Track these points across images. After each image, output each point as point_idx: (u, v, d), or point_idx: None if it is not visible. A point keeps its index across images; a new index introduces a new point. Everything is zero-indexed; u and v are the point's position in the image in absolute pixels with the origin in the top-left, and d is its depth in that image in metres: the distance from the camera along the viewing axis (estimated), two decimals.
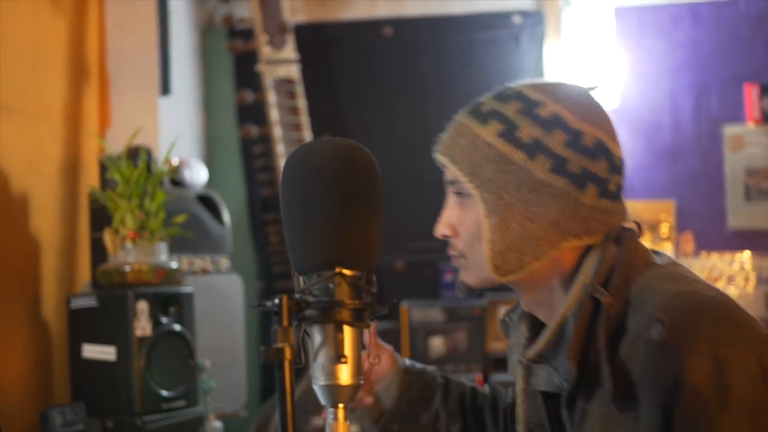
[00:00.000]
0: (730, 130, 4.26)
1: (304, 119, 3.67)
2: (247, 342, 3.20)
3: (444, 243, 1.50)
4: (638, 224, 1.46)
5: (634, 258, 1.40)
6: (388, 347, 1.75)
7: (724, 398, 1.24)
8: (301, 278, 1.21)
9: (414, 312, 3.94)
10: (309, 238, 1.19)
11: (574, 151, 1.38)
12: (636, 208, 4.17)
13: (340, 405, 1.18)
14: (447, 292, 4.09)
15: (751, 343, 1.28)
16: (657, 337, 1.27)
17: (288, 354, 1.12)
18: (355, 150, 1.23)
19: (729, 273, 4.18)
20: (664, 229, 4.21)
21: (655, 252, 1.47)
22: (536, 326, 1.51)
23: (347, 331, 1.18)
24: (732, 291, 4.14)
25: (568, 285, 1.41)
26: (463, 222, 1.44)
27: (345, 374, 1.18)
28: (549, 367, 1.44)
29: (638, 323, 1.32)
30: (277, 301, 1.14)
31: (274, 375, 3.58)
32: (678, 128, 4.29)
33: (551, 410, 1.49)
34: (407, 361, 1.77)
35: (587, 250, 1.41)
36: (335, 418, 1.18)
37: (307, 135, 3.63)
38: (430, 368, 1.80)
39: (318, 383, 1.19)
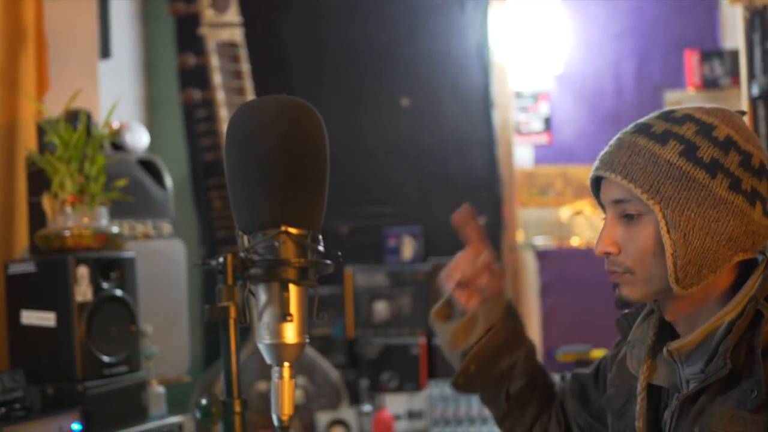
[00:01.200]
0: (671, 96, 4.31)
1: (248, 83, 3.63)
2: (189, 307, 3.17)
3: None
4: None
5: None
6: (501, 270, 1.82)
7: None
8: (245, 237, 1.19)
9: (358, 276, 3.94)
10: (254, 196, 1.18)
11: (745, 171, 1.48)
12: (579, 173, 4.22)
13: (286, 364, 1.17)
14: (391, 256, 4.09)
15: None
16: None
17: (233, 312, 1.11)
18: (301, 108, 1.21)
19: None
20: None
21: None
22: (662, 332, 1.61)
23: (293, 290, 1.17)
24: None
25: (725, 300, 1.51)
26: (634, 239, 1.51)
27: (290, 333, 1.16)
28: (675, 365, 1.54)
29: None
30: (221, 259, 1.13)
31: (216, 340, 3.55)
32: (620, 94, 4.33)
33: (650, 406, 1.60)
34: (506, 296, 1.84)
35: (742, 270, 1.52)
36: (281, 376, 1.17)
37: (251, 99, 3.59)
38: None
39: (263, 342, 1.17)
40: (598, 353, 4.07)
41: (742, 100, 4.27)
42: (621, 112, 4.31)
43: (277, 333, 1.17)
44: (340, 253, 1.24)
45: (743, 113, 1.58)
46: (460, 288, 1.82)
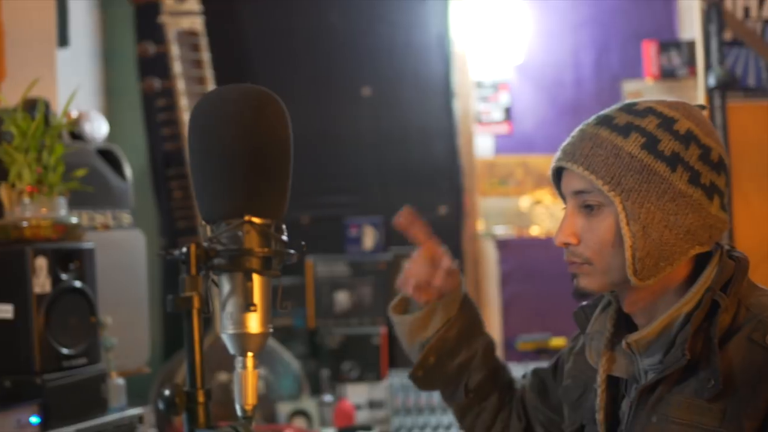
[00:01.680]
0: (629, 86, 4.35)
1: (209, 73, 3.61)
2: (150, 298, 3.15)
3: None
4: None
5: (745, 275, 1.55)
6: (455, 266, 1.85)
7: None
8: (209, 227, 1.19)
9: (319, 266, 3.94)
10: (217, 186, 1.17)
11: (705, 164, 1.51)
12: (539, 163, 4.24)
13: (250, 354, 1.17)
14: (352, 246, 4.09)
15: None
16: None
17: (196, 302, 1.11)
18: (265, 97, 1.21)
19: None
20: None
21: None
22: (620, 324, 1.63)
23: (256, 280, 1.17)
24: None
25: (681, 292, 1.53)
26: (593, 230, 1.52)
27: (254, 323, 1.17)
28: (634, 357, 1.56)
29: (751, 329, 1.46)
30: (185, 249, 1.12)
31: (176, 331, 3.52)
32: (580, 84, 4.37)
33: (609, 397, 1.63)
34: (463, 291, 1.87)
35: (698, 262, 1.54)
36: (244, 366, 1.17)
37: (211, 88, 3.57)
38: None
39: (227, 332, 1.17)
40: (557, 342, 4.11)
41: (698, 90, 4.33)
42: (580, 102, 4.34)
43: (241, 323, 1.17)
44: (303, 243, 1.24)
45: (703, 107, 1.60)
46: (418, 290, 1.83)
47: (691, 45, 4.35)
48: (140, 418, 2.58)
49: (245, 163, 1.17)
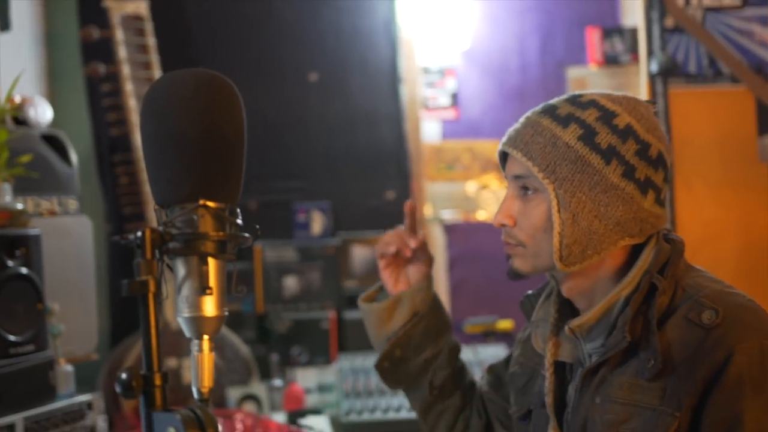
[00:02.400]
0: (573, 72, 4.41)
1: (154, 57, 3.57)
2: (97, 284, 3.13)
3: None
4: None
5: (681, 258, 1.60)
6: (431, 255, 1.92)
7: (761, 383, 1.43)
8: (163, 211, 1.19)
9: (268, 252, 3.94)
10: (172, 170, 1.17)
11: (641, 160, 1.54)
12: (485, 148, 4.28)
13: (205, 337, 1.17)
14: (300, 231, 4.10)
15: None
16: (708, 322, 1.47)
17: (152, 287, 1.11)
18: (219, 81, 1.21)
19: None
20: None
21: None
22: (563, 309, 1.68)
23: (211, 263, 1.18)
24: None
25: (619, 276, 1.57)
26: (528, 214, 1.58)
27: (210, 306, 1.17)
28: (576, 341, 1.61)
29: (688, 309, 1.51)
30: (139, 233, 1.12)
31: (123, 317, 3.50)
32: (525, 70, 4.41)
33: (556, 381, 1.67)
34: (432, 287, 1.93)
35: (635, 248, 1.58)
36: (200, 349, 1.17)
37: (157, 73, 3.54)
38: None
39: (182, 315, 1.18)
40: (504, 324, 4.16)
41: (640, 76, 4.40)
42: (526, 88, 4.39)
43: (197, 306, 1.17)
44: (257, 226, 1.25)
45: (653, 103, 1.65)
46: (389, 268, 1.88)
47: (633, 32, 4.42)
48: (89, 405, 2.57)
49: (199, 147, 1.17)
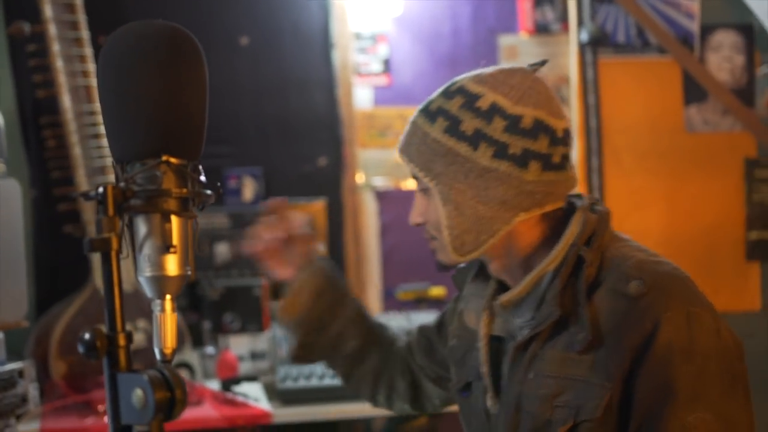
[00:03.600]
0: (505, 40, 4.42)
1: (82, 17, 3.46)
2: (28, 250, 3.04)
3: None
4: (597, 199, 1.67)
5: (607, 228, 1.60)
6: (311, 234, 1.93)
7: (690, 351, 1.43)
8: (122, 167, 1.15)
9: (199, 218, 3.88)
10: (132, 125, 1.14)
11: (513, 134, 1.53)
12: None
13: (168, 296, 1.15)
14: (231, 198, 4.05)
15: (709, 306, 1.50)
16: (634, 292, 1.47)
17: (115, 244, 1.08)
18: (181, 34, 1.18)
19: None
20: None
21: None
22: (500, 285, 1.69)
23: (174, 221, 1.15)
24: None
25: (547, 249, 1.57)
26: (428, 212, 1.59)
27: (172, 265, 1.14)
28: (507, 315, 1.61)
29: (614, 280, 1.51)
30: (101, 190, 1.09)
31: (52, 284, 3.40)
32: (457, 37, 4.40)
33: (491, 355, 1.67)
34: (322, 260, 1.94)
35: (560, 220, 1.59)
36: (162, 309, 1.14)
37: (85, 33, 3.44)
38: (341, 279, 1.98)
39: (144, 275, 1.15)
40: (436, 291, 4.18)
41: (571, 45, 4.44)
42: (457, 55, 4.38)
43: (159, 265, 1.14)
44: (219, 184, 1.22)
45: (542, 63, 1.62)
46: (267, 260, 1.92)
47: (564, 0, 4.44)
48: (20, 373, 2.51)
49: (163, 101, 1.14)
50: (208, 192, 1.19)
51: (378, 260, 4.27)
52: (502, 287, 1.68)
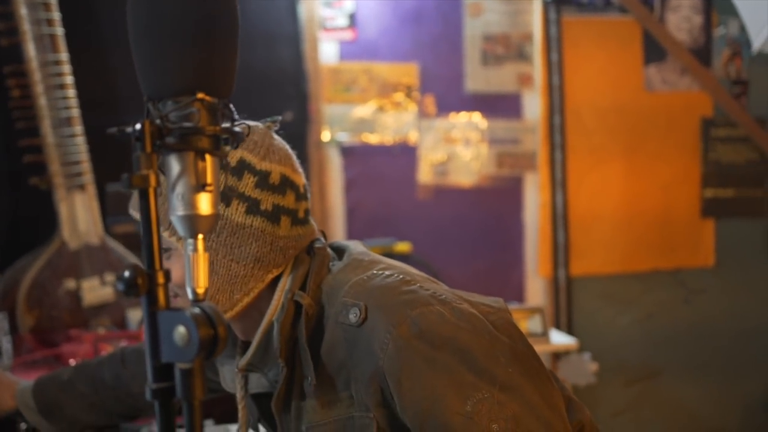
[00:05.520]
0: None
1: None
2: None
3: None
4: (323, 232, 1.66)
5: (323, 263, 1.58)
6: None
7: (431, 354, 1.40)
8: (153, 105, 1.13)
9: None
10: (167, 62, 1.11)
11: (263, 190, 1.53)
12: (381, 70, 4.26)
13: (200, 235, 1.13)
14: None
15: (431, 299, 1.47)
16: (355, 321, 1.46)
17: (152, 181, 1.06)
18: None
19: (466, 135, 4.40)
20: (401, 96, 4.32)
21: (345, 247, 1.65)
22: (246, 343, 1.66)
23: (209, 160, 1.13)
24: (468, 152, 4.37)
25: (267, 300, 1.56)
26: (174, 269, 1.48)
27: (205, 204, 1.13)
28: (259, 372, 1.60)
29: (335, 314, 1.49)
30: (138, 126, 1.07)
31: (14, 237, 3.34)
32: None
33: (264, 410, 1.66)
34: (23, 382, 2.07)
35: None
36: (195, 249, 1.13)
37: None
38: (51, 374, 2.08)
39: (177, 214, 1.13)
40: (402, 247, 4.20)
41: (535, 3, 4.45)
42: (422, 10, 4.37)
43: (192, 204, 1.12)
44: (245, 123, 1.21)
45: (273, 121, 1.65)
46: None
47: None
48: None
49: (197, 39, 1.12)
50: (239, 131, 1.17)
51: (343, 216, 4.27)
52: (247, 345, 1.66)
